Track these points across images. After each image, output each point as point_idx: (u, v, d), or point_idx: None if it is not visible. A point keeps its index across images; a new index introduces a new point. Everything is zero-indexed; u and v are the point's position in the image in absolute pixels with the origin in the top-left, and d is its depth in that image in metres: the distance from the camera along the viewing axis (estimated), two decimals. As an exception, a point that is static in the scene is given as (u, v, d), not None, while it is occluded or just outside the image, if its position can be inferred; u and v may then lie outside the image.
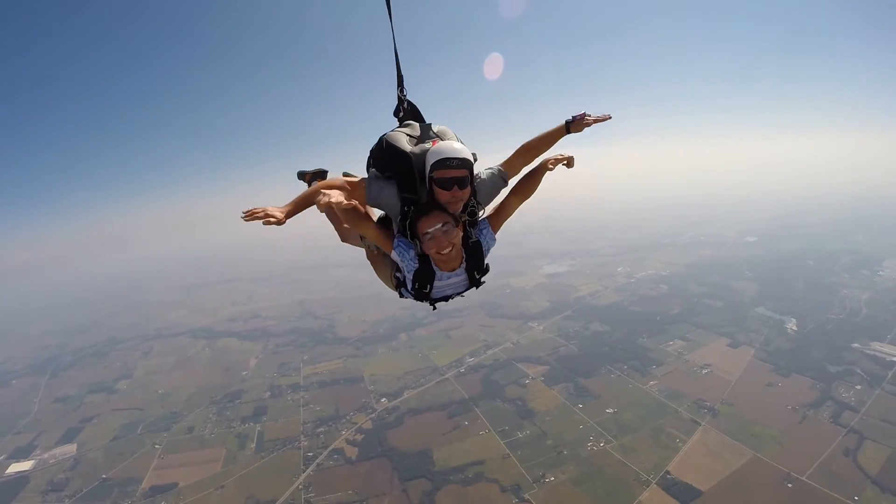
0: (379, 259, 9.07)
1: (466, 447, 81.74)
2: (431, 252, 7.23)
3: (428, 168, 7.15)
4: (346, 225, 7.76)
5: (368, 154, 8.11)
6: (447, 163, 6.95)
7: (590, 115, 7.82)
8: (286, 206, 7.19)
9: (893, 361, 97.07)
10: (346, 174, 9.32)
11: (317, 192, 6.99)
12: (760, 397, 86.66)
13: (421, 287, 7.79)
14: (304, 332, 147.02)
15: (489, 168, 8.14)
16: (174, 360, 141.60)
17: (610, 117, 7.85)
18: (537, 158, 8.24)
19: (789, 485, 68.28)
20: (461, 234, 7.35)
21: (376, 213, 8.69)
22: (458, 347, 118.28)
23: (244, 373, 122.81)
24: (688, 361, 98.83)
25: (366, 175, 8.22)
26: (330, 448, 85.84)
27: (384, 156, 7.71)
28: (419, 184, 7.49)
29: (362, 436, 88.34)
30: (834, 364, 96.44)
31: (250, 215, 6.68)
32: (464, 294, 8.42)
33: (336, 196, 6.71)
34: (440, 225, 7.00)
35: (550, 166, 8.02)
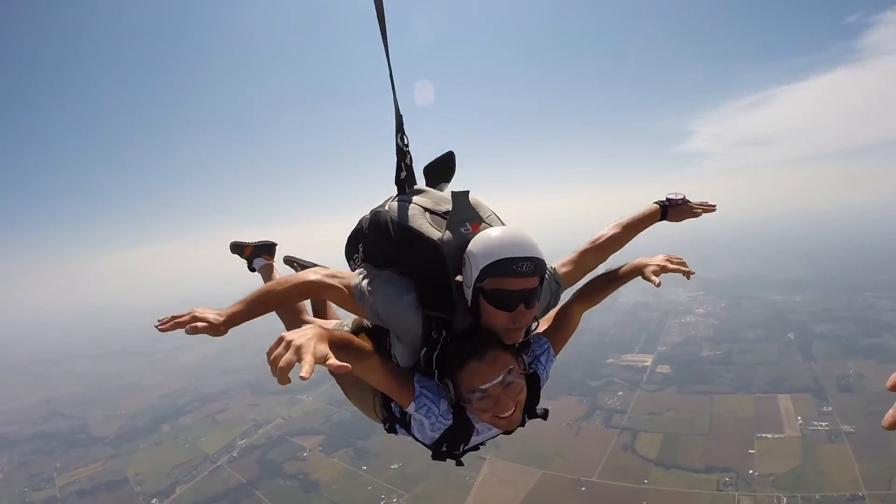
0: (353, 382, 5.60)
1: (257, 533, 74.48)
2: (485, 417, 4.20)
3: (475, 274, 4.03)
4: (344, 380, 5.32)
5: (350, 237, 5.18)
6: (515, 268, 3.96)
7: (692, 202, 5.77)
8: (231, 307, 4.45)
9: (645, 366, 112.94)
10: (291, 259, 7.40)
11: (284, 298, 4.67)
12: (536, 422, 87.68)
13: (451, 448, 4.72)
14: (54, 436, 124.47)
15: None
16: None
17: (715, 208, 5.90)
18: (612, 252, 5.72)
19: (582, 488, 72.59)
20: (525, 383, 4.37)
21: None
22: (227, 431, 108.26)
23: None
24: None
25: (349, 267, 5.24)
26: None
27: (392, 245, 4.56)
28: (456, 295, 4.33)
29: (136, 544, 76.29)
30: (594, 379, 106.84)
31: (171, 323, 4.09)
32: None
33: (321, 346, 3.24)
34: (501, 377, 4.05)
35: (655, 275, 5.19)
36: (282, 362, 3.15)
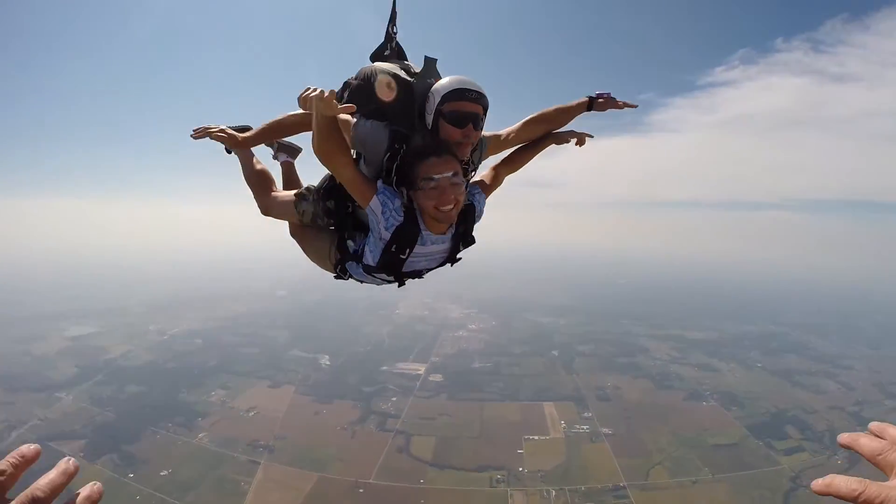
0: (309, 232, 6.90)
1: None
2: (429, 205, 5.26)
3: (437, 100, 5.34)
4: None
5: (342, 88, 5.80)
6: (466, 94, 5.31)
7: (617, 99, 6.67)
8: (248, 133, 6.72)
9: (418, 374, 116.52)
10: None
11: (299, 123, 6.29)
12: (310, 426, 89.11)
13: (399, 251, 5.59)
14: None
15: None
16: None
17: (637, 106, 6.74)
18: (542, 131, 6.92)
19: (360, 490, 72.39)
20: (464, 192, 5.54)
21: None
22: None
23: None
24: (233, 408, 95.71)
25: None
26: None
27: (372, 84, 5.55)
28: (417, 120, 5.63)
29: None
30: (369, 385, 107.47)
31: (203, 130, 6.48)
32: (424, 276, 6.65)
33: (329, 93, 4.73)
34: (451, 173, 5.19)
35: (567, 140, 6.73)
36: (313, 93, 4.77)
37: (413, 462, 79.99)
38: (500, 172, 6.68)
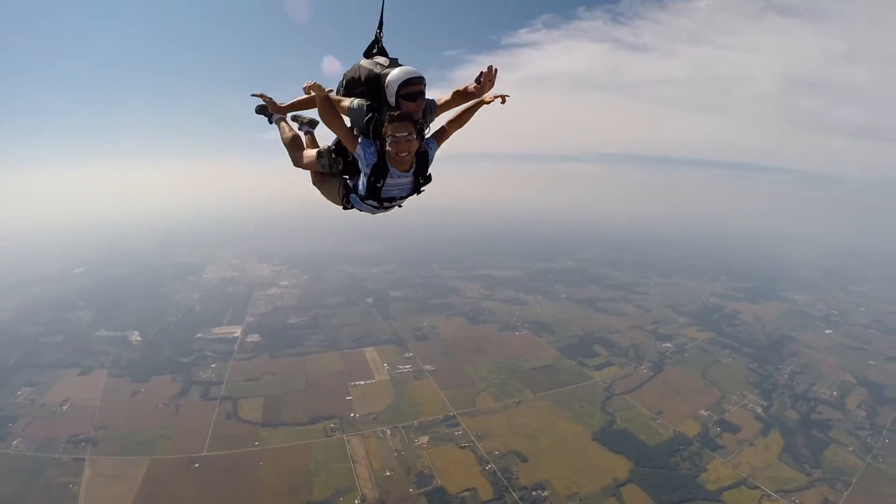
0: (326, 179, 10.74)
1: None
2: (392, 151, 8.64)
3: (397, 86, 8.69)
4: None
5: (342, 78, 10.05)
6: (411, 81, 8.65)
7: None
8: (282, 104, 10.13)
9: (235, 337, 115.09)
10: (296, 117, 12.06)
11: (316, 104, 8.79)
12: (131, 409, 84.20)
13: (375, 181, 9.06)
14: None
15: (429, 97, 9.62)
16: None
17: (508, 96, 9.73)
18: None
19: (196, 465, 70.42)
20: (419, 144, 8.87)
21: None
22: None
23: None
24: (44, 405, 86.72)
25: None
26: None
27: (359, 76, 9.62)
28: (383, 98, 9.13)
29: None
30: (185, 356, 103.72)
31: (260, 94, 10.01)
32: (402, 204, 9.99)
33: (315, 84, 8.44)
34: (406, 133, 8.46)
35: (488, 101, 9.50)
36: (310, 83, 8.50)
37: (244, 426, 79.23)
38: (448, 129, 9.67)
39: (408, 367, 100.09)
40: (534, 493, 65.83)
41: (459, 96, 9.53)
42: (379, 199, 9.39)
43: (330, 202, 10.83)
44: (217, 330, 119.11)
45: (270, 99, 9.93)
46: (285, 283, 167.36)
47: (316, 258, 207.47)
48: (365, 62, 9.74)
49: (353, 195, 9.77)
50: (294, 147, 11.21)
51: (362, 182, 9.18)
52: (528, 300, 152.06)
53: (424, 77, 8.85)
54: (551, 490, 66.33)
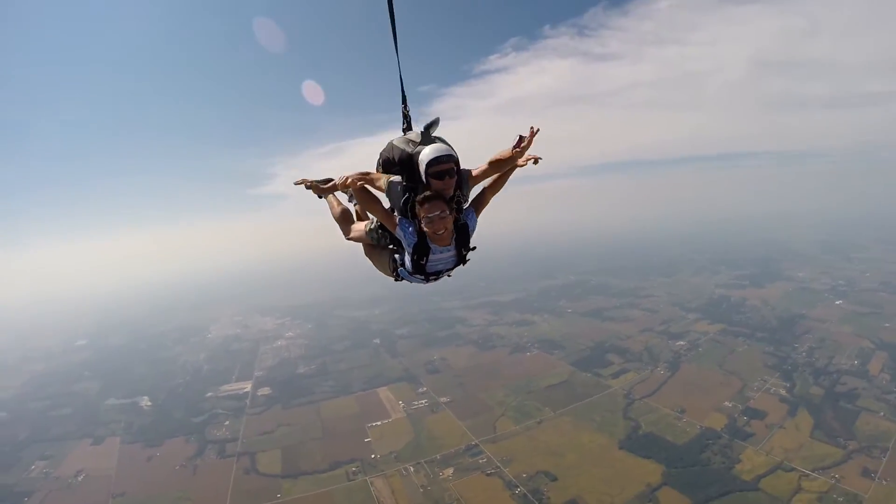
0: (376, 251, 10.59)
1: None
2: (429, 231, 8.61)
3: (425, 166, 8.49)
4: (359, 205, 10.10)
5: (378, 157, 9.78)
6: (439, 160, 8.43)
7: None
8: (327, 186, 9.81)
9: (245, 392, 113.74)
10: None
11: (365, 182, 9.04)
12: (147, 474, 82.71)
13: (419, 258, 9.06)
14: None
15: (465, 169, 9.45)
16: None
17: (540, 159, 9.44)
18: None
19: None
20: (453, 219, 8.80)
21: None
22: None
23: None
24: (59, 478, 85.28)
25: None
26: None
27: (393, 157, 9.33)
28: (417, 176, 8.84)
29: None
30: (197, 416, 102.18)
31: (302, 181, 9.89)
32: (451, 274, 9.79)
33: (353, 177, 8.79)
34: (439, 212, 8.39)
35: (521, 164, 9.23)
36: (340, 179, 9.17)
37: (264, 480, 77.63)
38: (486, 195, 9.67)
39: (423, 401, 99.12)
40: (568, 511, 63.95)
41: (496, 164, 9.37)
42: (425, 273, 9.46)
43: (381, 273, 10.91)
44: (227, 387, 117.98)
45: (314, 183, 9.84)
46: (290, 334, 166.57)
47: (317, 307, 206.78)
48: (398, 140, 9.57)
49: (401, 269, 9.77)
50: (343, 220, 11.50)
51: (407, 259, 9.33)
52: (534, 320, 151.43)
53: (454, 154, 8.78)
54: (585, 504, 64.73)
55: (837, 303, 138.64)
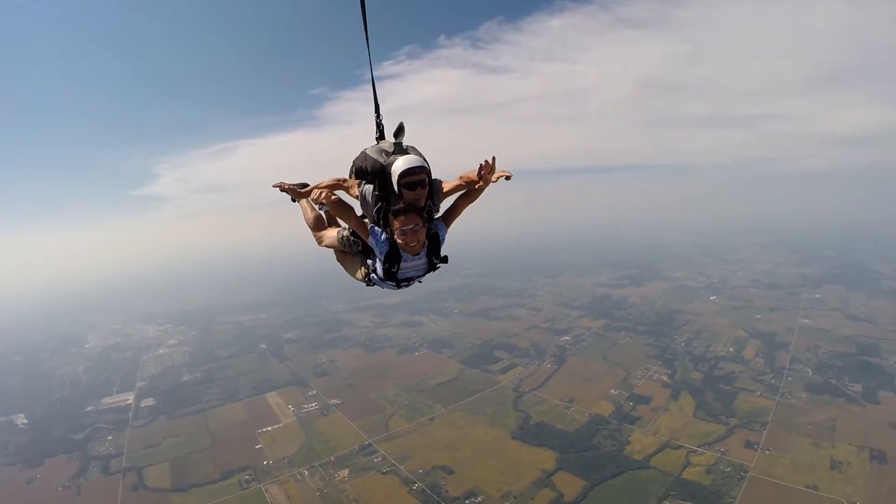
0: (348, 257, 11.00)
1: None
2: (401, 242, 9.06)
3: (396, 177, 8.82)
4: (334, 213, 9.73)
5: (352, 164, 10.16)
6: (411, 171, 8.76)
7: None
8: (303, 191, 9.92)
9: (128, 404, 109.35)
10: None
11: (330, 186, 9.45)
12: (28, 497, 77.77)
13: (390, 266, 9.52)
14: None
15: (437, 179, 9.92)
16: None
17: (511, 175, 9.76)
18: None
19: None
20: (426, 231, 9.24)
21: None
22: None
23: None
24: None
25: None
26: None
27: (366, 166, 9.68)
28: (390, 187, 9.19)
29: None
30: (78, 432, 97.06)
31: (280, 184, 10.07)
32: (422, 280, 10.27)
33: (326, 190, 9.14)
34: (412, 225, 8.82)
35: (494, 180, 9.59)
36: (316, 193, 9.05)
37: (154, 495, 74.90)
38: (459, 205, 10.03)
39: (313, 404, 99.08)
40: (467, 502, 66.14)
41: (465, 182, 9.81)
42: (396, 280, 9.96)
43: (353, 278, 11.24)
44: (108, 400, 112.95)
45: (292, 187, 10.02)
46: (173, 341, 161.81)
47: (201, 312, 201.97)
48: (371, 150, 9.94)
49: (373, 275, 10.19)
50: (316, 227, 11.70)
51: (378, 266, 9.79)
52: (422, 321, 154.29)
53: (426, 165, 9.13)
54: (484, 494, 66.99)
55: (712, 298, 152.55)
